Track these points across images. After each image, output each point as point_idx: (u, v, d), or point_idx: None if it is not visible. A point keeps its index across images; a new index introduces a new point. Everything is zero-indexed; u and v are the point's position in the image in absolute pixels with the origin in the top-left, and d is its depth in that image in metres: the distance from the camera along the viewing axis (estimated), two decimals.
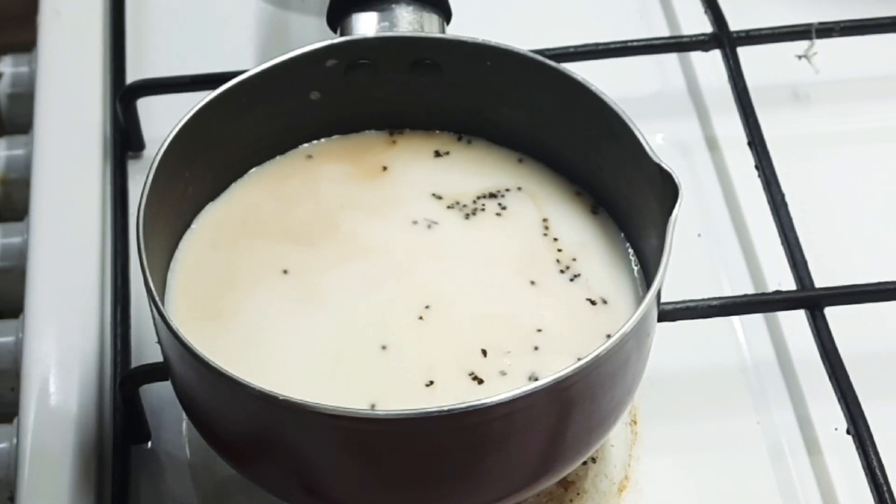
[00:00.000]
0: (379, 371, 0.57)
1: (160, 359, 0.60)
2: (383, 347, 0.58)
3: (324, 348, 0.58)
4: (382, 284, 0.60)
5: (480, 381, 0.57)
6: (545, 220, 0.63)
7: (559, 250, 0.62)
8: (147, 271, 0.55)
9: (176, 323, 0.54)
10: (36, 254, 0.70)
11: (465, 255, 0.62)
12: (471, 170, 0.65)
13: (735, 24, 0.77)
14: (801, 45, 0.77)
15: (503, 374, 0.57)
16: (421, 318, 0.59)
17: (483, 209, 0.64)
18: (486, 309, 0.60)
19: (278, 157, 0.66)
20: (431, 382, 0.57)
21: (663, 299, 0.59)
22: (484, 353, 0.58)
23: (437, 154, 0.66)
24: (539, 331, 0.59)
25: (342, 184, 0.65)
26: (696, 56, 0.79)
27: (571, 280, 0.61)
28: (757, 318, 0.68)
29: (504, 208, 0.64)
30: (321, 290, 0.60)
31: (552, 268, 0.62)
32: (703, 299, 0.64)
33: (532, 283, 0.61)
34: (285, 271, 0.61)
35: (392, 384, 0.57)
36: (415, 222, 0.63)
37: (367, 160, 0.66)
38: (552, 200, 0.64)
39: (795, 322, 0.66)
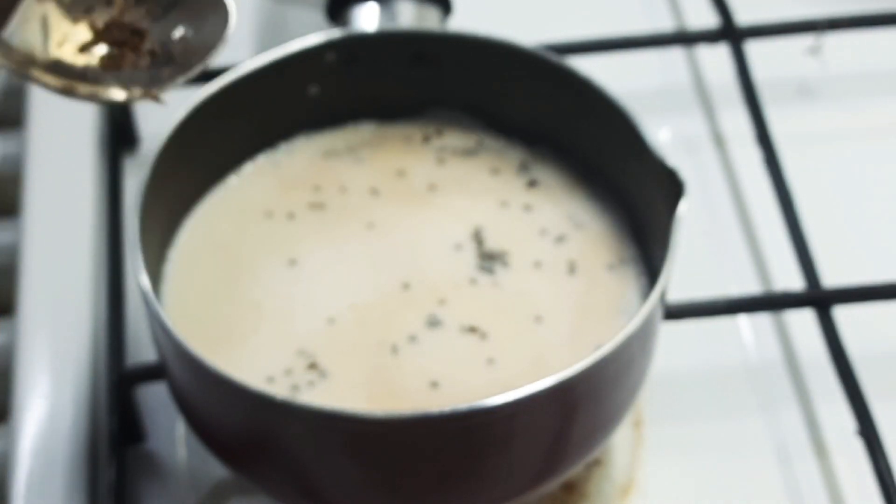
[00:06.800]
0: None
1: (155, 358, 0.59)
2: (393, 349, 0.58)
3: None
4: (387, 270, 0.60)
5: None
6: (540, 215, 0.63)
7: (559, 247, 0.61)
8: (142, 269, 0.55)
9: (171, 321, 0.54)
10: (29, 252, 0.69)
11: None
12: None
13: (742, 17, 0.76)
14: (809, 39, 0.77)
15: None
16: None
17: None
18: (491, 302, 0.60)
19: (276, 151, 0.65)
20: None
21: (669, 298, 0.58)
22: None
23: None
24: (539, 318, 0.58)
25: (343, 178, 0.64)
26: (701, 50, 0.79)
27: (571, 273, 0.60)
28: (764, 318, 0.67)
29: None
30: (327, 279, 0.60)
31: (555, 263, 0.61)
32: (709, 298, 0.64)
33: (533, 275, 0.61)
34: (292, 261, 0.61)
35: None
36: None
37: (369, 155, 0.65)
38: (550, 196, 0.63)
39: (803, 322, 0.66)
